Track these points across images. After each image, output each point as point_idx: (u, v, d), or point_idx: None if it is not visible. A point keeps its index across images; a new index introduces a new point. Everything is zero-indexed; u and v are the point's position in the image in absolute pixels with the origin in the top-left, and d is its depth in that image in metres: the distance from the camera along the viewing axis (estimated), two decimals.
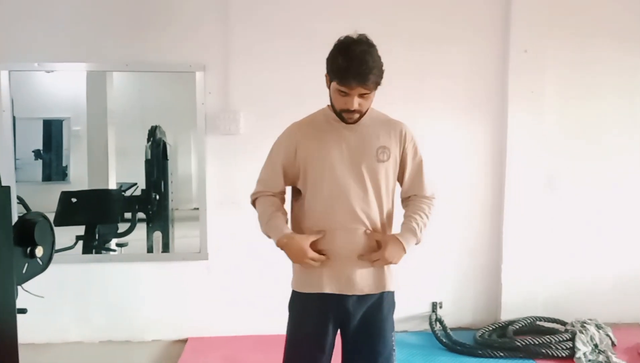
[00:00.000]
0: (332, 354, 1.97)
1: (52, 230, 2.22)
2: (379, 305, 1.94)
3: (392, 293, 2.00)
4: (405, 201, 2.04)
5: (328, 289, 1.89)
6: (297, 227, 1.97)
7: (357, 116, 1.84)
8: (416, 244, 1.95)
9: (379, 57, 1.79)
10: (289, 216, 2.01)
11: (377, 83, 1.79)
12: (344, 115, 1.85)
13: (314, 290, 1.91)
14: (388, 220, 1.96)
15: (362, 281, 1.89)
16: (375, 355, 1.93)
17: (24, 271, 2.09)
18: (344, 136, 1.89)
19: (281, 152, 1.97)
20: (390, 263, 1.90)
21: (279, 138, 2.02)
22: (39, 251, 2.11)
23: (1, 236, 1.89)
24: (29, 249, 2.08)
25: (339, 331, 1.98)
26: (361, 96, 1.79)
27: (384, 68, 1.79)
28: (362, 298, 1.91)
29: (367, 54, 1.74)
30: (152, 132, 4.62)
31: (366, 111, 1.87)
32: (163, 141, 4.58)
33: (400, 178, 1.99)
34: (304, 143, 1.92)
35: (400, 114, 3.48)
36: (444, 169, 3.62)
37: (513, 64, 3.53)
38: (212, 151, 3.49)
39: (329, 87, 1.86)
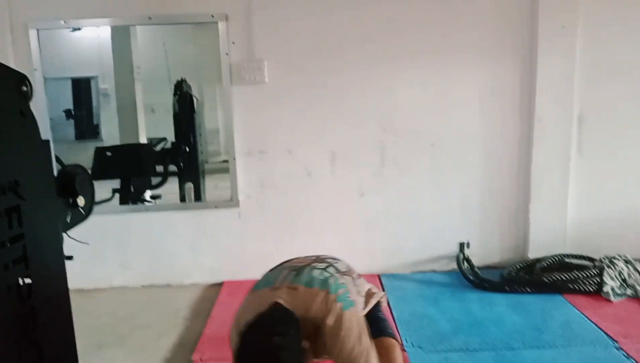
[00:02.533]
0: None
1: (91, 181, 2.33)
2: None
3: None
4: None
5: None
6: None
7: None
8: None
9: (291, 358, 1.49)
10: None
11: None
12: None
13: None
14: None
15: None
16: None
17: (68, 220, 2.22)
18: None
19: None
20: None
21: None
22: (81, 201, 2.23)
23: (45, 187, 2.01)
24: (71, 199, 2.20)
25: None
26: None
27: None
28: None
29: None
30: (179, 85, 4.68)
31: None
32: (190, 94, 4.64)
33: None
34: None
35: (428, 53, 3.47)
36: (472, 110, 3.59)
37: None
38: (239, 102, 3.53)
39: None
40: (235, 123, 3.56)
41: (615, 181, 3.68)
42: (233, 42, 3.47)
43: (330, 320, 1.67)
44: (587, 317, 2.94)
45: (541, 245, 3.65)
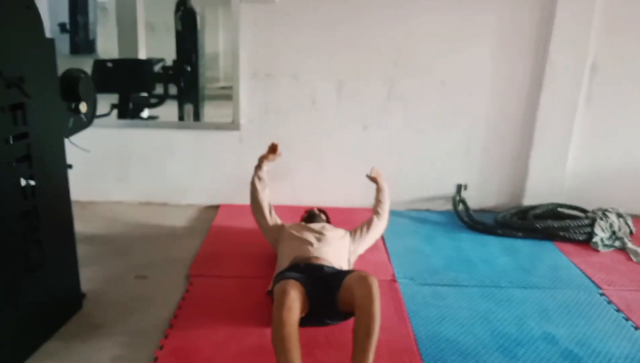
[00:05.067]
0: None
1: (93, 87, 2.27)
2: None
3: None
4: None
5: None
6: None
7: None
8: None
9: None
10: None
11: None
12: None
13: None
14: None
15: None
16: None
17: (70, 125, 2.18)
18: None
19: None
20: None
21: None
22: (83, 107, 2.18)
23: (50, 87, 1.95)
24: (73, 104, 2.15)
25: None
26: None
27: None
28: None
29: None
30: (182, 1, 4.50)
31: None
32: (194, 10, 4.47)
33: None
34: None
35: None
36: (484, 50, 3.50)
37: None
38: (246, 20, 3.40)
39: None
40: (242, 43, 3.44)
41: (619, 135, 3.67)
42: None
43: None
44: (574, 264, 3.01)
45: (537, 192, 3.68)
